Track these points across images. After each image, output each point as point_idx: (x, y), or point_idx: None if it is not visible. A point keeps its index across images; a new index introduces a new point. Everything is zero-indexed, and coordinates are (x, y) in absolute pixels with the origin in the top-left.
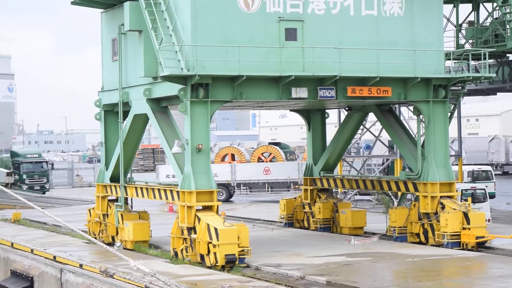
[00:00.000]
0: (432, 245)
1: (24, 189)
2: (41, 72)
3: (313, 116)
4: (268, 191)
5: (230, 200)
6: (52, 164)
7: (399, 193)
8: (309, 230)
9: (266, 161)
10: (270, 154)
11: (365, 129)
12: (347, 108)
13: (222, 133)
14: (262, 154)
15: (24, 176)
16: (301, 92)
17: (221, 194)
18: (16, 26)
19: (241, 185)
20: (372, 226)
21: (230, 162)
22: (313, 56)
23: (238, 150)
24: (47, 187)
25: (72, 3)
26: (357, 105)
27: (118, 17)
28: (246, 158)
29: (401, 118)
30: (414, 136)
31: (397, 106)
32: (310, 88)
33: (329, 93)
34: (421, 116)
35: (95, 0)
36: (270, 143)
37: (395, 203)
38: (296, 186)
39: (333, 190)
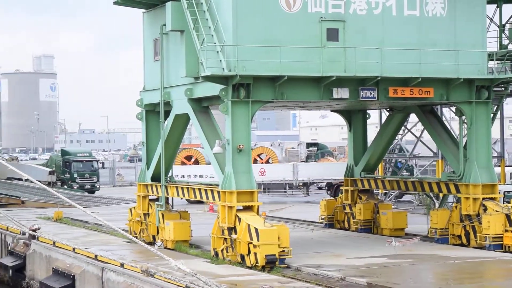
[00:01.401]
0: (473, 247)
1: (75, 188)
2: (83, 72)
3: (354, 116)
4: (265, 192)
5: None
6: (103, 163)
7: (441, 195)
8: (350, 231)
9: (262, 162)
10: (266, 155)
11: (406, 130)
12: (388, 109)
13: (262, 133)
14: (258, 155)
15: (75, 175)
16: (342, 93)
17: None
18: (58, 26)
19: None
20: (413, 228)
21: None
22: (354, 57)
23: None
24: (97, 186)
25: (115, 3)
26: (398, 106)
27: (160, 17)
28: None
29: (443, 119)
30: (456, 137)
31: (439, 107)
32: (351, 88)
33: (371, 93)
34: (463, 117)
35: (137, 0)
36: (308, 144)
37: (437, 205)
38: (302, 186)
39: (374, 191)
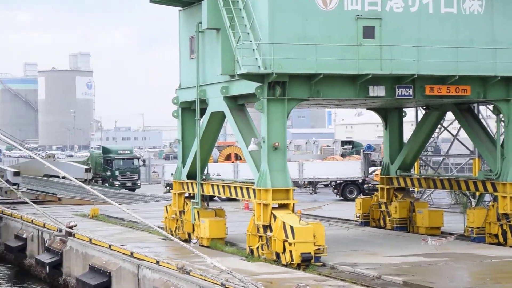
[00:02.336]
0: (510, 247)
1: (116, 185)
2: (119, 69)
3: (390, 114)
4: None
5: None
6: (144, 161)
7: (477, 193)
8: (385, 229)
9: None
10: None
11: (442, 128)
12: (424, 107)
13: (297, 130)
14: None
15: (117, 173)
16: (378, 91)
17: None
18: (95, 24)
19: None
20: (449, 226)
21: (233, 162)
22: (391, 55)
23: (241, 150)
24: (138, 184)
25: (151, 1)
26: (435, 104)
27: (196, 15)
28: None
29: (480, 117)
30: (493, 136)
31: (475, 105)
32: (387, 86)
33: (407, 91)
34: (500, 115)
35: None
36: (343, 142)
37: (473, 203)
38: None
39: (410, 189)
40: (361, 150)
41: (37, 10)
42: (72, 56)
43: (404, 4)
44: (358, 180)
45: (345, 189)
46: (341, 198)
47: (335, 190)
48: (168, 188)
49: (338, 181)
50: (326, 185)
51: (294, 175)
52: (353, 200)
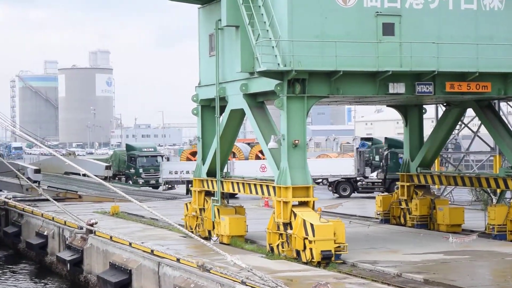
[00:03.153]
0: None
1: (140, 183)
2: (139, 67)
3: (410, 111)
4: None
5: (235, 196)
6: (168, 158)
7: (498, 190)
8: (406, 226)
9: (264, 159)
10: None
11: (463, 125)
12: (445, 104)
13: (317, 127)
14: (260, 151)
15: (140, 170)
16: (398, 88)
17: None
18: (114, 21)
19: None
20: (470, 224)
21: (229, 159)
22: (410, 51)
23: (237, 147)
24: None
25: None
26: (455, 100)
27: (215, 12)
28: (244, 155)
29: (501, 113)
30: None
31: (496, 101)
32: (407, 83)
33: (427, 88)
34: None
35: None
36: (363, 139)
37: (494, 201)
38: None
39: (430, 186)
40: (355, 148)
41: (57, 7)
42: (92, 54)
43: (424, 1)
44: (353, 178)
45: (339, 186)
46: (338, 195)
47: (330, 188)
48: (167, 186)
49: (332, 179)
50: (317, 183)
51: None
52: (347, 197)
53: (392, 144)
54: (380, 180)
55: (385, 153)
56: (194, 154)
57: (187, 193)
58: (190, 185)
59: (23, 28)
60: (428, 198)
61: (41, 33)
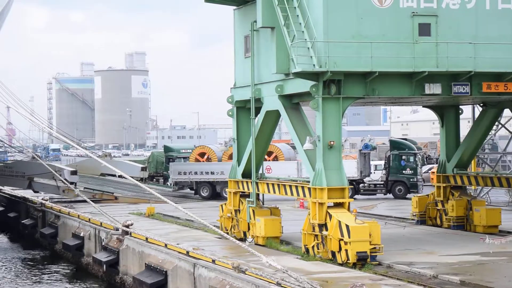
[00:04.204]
0: None
1: None
2: (175, 68)
3: (447, 112)
4: None
5: None
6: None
7: None
8: (442, 228)
9: (269, 160)
10: (273, 153)
11: (500, 125)
12: (481, 104)
13: (352, 128)
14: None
15: None
16: (434, 88)
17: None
18: (150, 23)
19: None
20: (507, 225)
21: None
22: (447, 52)
23: (231, 147)
24: None
25: (206, 0)
26: (492, 101)
27: (250, 14)
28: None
29: None
30: None
31: None
32: (444, 84)
33: (464, 89)
34: None
35: None
36: (398, 139)
37: None
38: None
39: (467, 187)
40: (358, 149)
41: (93, 9)
42: (128, 56)
43: (461, 1)
44: (356, 180)
45: None
46: None
47: None
48: (175, 187)
49: None
50: None
51: (293, 174)
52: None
53: (396, 146)
54: (382, 182)
55: (388, 154)
56: (202, 155)
57: (195, 194)
58: (198, 186)
59: (63, 31)
60: (464, 199)
61: (78, 35)
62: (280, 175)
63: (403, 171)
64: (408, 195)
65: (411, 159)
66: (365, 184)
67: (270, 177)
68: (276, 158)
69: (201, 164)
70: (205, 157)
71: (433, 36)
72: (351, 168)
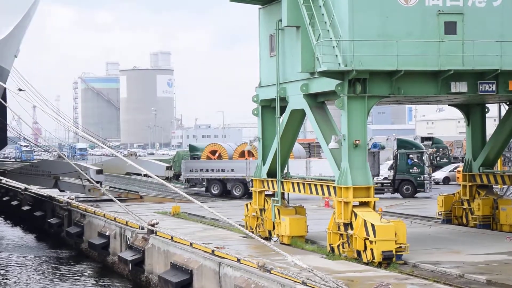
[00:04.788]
0: None
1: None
2: (199, 67)
3: (473, 110)
4: None
5: (245, 196)
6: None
7: None
8: (468, 227)
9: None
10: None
11: None
12: (508, 103)
13: (378, 127)
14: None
15: None
16: (460, 87)
17: (238, 190)
18: (175, 23)
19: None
20: None
21: (246, 159)
22: (473, 50)
23: (255, 147)
24: None
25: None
26: None
27: (275, 13)
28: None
29: None
30: None
31: None
32: (470, 82)
33: (490, 87)
34: None
35: None
36: (423, 138)
37: None
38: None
39: (493, 186)
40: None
41: (118, 9)
42: (153, 55)
43: None
44: None
45: None
46: None
47: None
48: (187, 184)
49: None
50: None
51: (302, 172)
52: None
53: (402, 145)
54: (389, 181)
55: (395, 153)
56: (213, 152)
57: (206, 191)
58: (209, 183)
59: (89, 31)
60: (490, 198)
61: (104, 35)
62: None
63: (410, 170)
64: (417, 195)
65: (418, 158)
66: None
67: (296, 176)
68: None
69: (212, 162)
70: (216, 154)
71: (459, 34)
72: None
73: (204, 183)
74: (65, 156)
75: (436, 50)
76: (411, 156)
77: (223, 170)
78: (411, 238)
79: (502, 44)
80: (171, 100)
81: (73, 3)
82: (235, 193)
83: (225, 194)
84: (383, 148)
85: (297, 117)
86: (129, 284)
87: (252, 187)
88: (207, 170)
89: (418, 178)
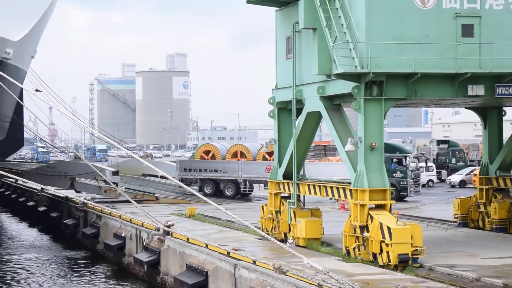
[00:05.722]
0: None
1: None
2: (215, 69)
3: (490, 113)
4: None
5: (237, 196)
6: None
7: None
8: (484, 230)
9: (270, 160)
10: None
11: None
12: None
13: (393, 130)
14: (267, 153)
15: None
16: (477, 90)
17: (230, 190)
18: (191, 24)
19: (247, 182)
20: None
21: (238, 159)
22: (490, 53)
23: (246, 148)
24: None
25: (248, 1)
26: None
27: (292, 15)
28: (252, 156)
29: None
30: None
31: None
32: (487, 85)
33: (507, 90)
34: None
35: None
36: (439, 141)
37: None
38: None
39: (510, 190)
40: None
41: (134, 11)
42: (169, 57)
43: (505, 2)
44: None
45: None
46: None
47: None
48: (183, 183)
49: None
50: None
51: None
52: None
53: (387, 148)
54: None
55: None
56: (207, 152)
57: (199, 191)
58: (202, 183)
59: (105, 32)
60: (507, 202)
61: (121, 36)
62: None
63: (394, 174)
64: (407, 198)
65: (402, 162)
66: None
67: (313, 178)
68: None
69: (205, 162)
70: (210, 154)
71: (476, 37)
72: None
73: (197, 182)
74: (82, 157)
75: (453, 52)
76: (394, 160)
77: (216, 170)
78: (427, 241)
79: None
80: (187, 102)
81: (90, 5)
82: (227, 193)
83: (218, 193)
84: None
85: (314, 119)
86: (144, 286)
87: (243, 187)
88: (200, 170)
89: (401, 182)
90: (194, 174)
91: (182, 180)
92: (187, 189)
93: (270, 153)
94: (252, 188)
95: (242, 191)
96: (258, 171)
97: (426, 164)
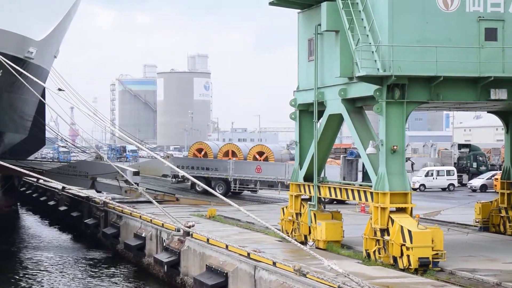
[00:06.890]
0: None
1: None
2: (237, 71)
3: None
4: (261, 189)
5: (228, 194)
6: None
7: None
8: (506, 235)
9: (260, 160)
10: (264, 153)
11: None
12: None
13: (414, 133)
14: (257, 152)
15: None
16: (500, 94)
17: (221, 188)
18: (214, 26)
19: (237, 181)
20: None
21: (229, 158)
22: None
23: (237, 147)
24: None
25: (270, 3)
26: None
27: (314, 17)
28: (244, 155)
29: None
30: None
31: None
32: (510, 89)
33: None
34: None
35: (292, 0)
36: (460, 145)
37: None
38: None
39: None
40: (341, 156)
41: (158, 11)
42: (191, 58)
43: None
44: None
45: None
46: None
47: None
48: (174, 180)
49: None
50: None
51: (281, 176)
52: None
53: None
54: None
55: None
56: (200, 150)
57: (191, 188)
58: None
59: (129, 33)
60: None
61: (143, 37)
62: (268, 176)
63: None
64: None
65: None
66: None
67: (334, 181)
68: (266, 159)
69: (197, 160)
70: (202, 152)
71: (500, 40)
72: (334, 175)
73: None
74: (105, 157)
75: (476, 56)
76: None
77: (207, 169)
78: (448, 245)
79: None
80: (207, 103)
81: (114, 5)
82: (218, 191)
83: (209, 191)
84: (358, 156)
85: (335, 121)
86: (164, 286)
87: (234, 186)
88: (192, 168)
89: None
90: (187, 171)
91: (175, 176)
92: (210, 191)
93: (260, 153)
94: (243, 187)
95: (232, 190)
96: (248, 170)
97: (412, 169)
